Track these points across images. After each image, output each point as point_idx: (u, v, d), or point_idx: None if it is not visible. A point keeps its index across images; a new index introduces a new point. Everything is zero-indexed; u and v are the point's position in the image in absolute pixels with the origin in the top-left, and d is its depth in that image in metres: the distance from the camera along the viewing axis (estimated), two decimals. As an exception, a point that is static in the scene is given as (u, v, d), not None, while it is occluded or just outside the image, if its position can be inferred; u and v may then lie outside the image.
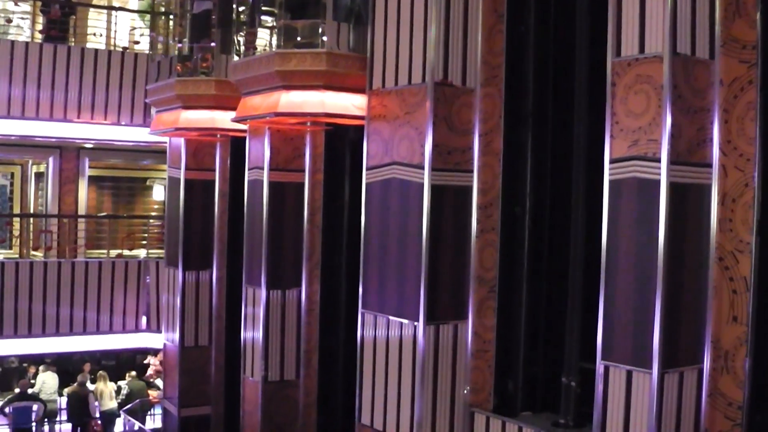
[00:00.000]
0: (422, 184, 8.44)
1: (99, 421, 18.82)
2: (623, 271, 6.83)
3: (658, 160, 6.55)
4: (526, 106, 8.65)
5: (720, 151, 6.77)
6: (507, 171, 8.73)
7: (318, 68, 9.69)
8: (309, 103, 9.84)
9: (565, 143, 8.25)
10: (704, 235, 6.80)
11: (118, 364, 21.22)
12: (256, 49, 10.90)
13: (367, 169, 9.23)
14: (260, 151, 11.66)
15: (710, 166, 6.79)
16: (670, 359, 6.60)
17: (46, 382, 19.07)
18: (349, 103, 9.73)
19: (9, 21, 20.51)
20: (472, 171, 8.66)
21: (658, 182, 6.55)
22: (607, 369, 6.91)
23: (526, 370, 8.69)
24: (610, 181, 6.90)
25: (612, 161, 6.89)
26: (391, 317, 8.85)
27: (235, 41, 11.64)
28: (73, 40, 19.62)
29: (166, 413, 15.67)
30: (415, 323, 8.50)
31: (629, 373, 6.75)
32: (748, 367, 6.71)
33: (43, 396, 18.59)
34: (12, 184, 22.93)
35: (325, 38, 9.85)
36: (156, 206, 23.65)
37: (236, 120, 11.20)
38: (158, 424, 17.87)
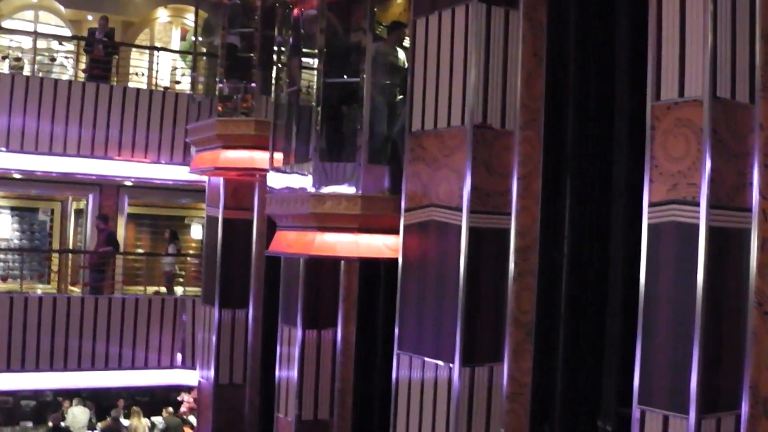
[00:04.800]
0: (460, 227, 8.45)
1: (131, 457, 18.86)
2: (661, 314, 6.81)
3: (698, 204, 6.54)
4: (566, 150, 8.66)
5: (760, 195, 6.74)
6: (545, 214, 8.72)
7: (353, 212, 9.66)
8: (342, 245, 9.85)
9: (604, 187, 8.25)
10: (743, 280, 6.75)
11: (152, 400, 21.25)
12: (301, 90, 10.92)
13: (405, 211, 9.25)
14: (299, 191, 11.71)
15: (750, 210, 6.76)
16: (707, 404, 6.56)
17: (76, 416, 19.11)
18: (382, 244, 9.76)
19: (53, 60, 20.80)
20: (510, 214, 8.65)
21: (697, 226, 6.54)
22: (643, 414, 6.87)
23: (562, 414, 8.62)
24: (649, 225, 6.89)
25: (651, 205, 6.88)
26: (426, 359, 8.83)
27: (273, 83, 11.70)
28: (115, 79, 19.84)
29: (199, 451, 15.70)
30: (451, 365, 8.48)
31: (666, 418, 6.70)
32: (786, 414, 6.65)
33: (72, 430, 18.64)
34: (52, 220, 23.15)
35: (360, 180, 9.79)
36: (194, 244, 23.79)
37: (270, 254, 11.33)
38: (191, 461, 17.90)
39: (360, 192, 9.67)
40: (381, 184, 9.81)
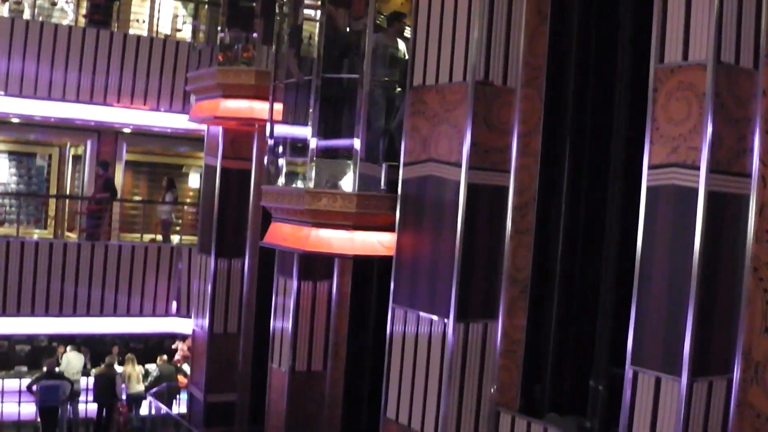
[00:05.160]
0: (458, 182, 8.45)
1: (125, 403, 18.93)
2: (657, 277, 6.83)
3: (697, 168, 6.54)
4: (566, 109, 8.64)
5: (760, 161, 6.74)
6: (544, 173, 8.72)
7: (348, 210, 9.63)
8: (337, 241, 9.85)
9: (603, 148, 8.25)
10: (740, 246, 6.77)
11: (146, 347, 21.29)
12: (302, 41, 10.86)
13: (404, 165, 9.24)
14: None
15: (749, 176, 6.76)
16: (699, 368, 6.60)
17: (71, 361, 19.13)
18: (376, 241, 9.76)
19: (54, 4, 20.65)
20: (509, 171, 8.66)
21: (696, 190, 6.55)
22: (636, 374, 6.91)
23: (554, 372, 8.69)
24: (648, 188, 6.90)
25: (651, 167, 6.88)
26: (421, 313, 8.87)
27: (276, 34, 11.64)
28: (116, 25, 19.71)
29: (191, 398, 15.77)
30: (446, 320, 8.52)
31: (658, 380, 6.75)
32: (778, 379, 6.70)
33: (67, 375, 18.70)
34: (50, 166, 23.09)
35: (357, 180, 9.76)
36: (191, 193, 23.77)
37: (265, 245, 11.22)
38: (184, 409, 17.97)
39: (356, 190, 9.67)
40: (377, 182, 9.80)
